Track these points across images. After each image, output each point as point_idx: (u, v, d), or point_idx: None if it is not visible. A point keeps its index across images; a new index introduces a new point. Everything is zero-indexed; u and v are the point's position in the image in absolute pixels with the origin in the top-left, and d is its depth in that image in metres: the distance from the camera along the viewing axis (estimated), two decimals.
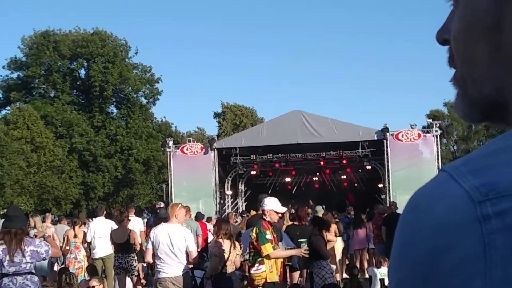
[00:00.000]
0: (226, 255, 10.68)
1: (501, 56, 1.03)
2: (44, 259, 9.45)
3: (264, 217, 10.25)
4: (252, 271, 10.27)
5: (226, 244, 10.80)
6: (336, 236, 17.45)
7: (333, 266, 12.89)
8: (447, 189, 0.93)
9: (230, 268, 10.85)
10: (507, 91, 1.05)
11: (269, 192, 38.07)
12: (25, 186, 53.14)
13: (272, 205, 10.30)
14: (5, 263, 8.64)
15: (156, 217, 15.51)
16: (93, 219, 19.91)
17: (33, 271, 8.86)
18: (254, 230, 10.33)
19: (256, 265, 10.18)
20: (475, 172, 0.92)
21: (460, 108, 1.14)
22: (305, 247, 11.34)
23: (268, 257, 9.99)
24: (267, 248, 9.95)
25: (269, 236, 10.08)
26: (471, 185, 0.90)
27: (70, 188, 58.06)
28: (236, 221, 21.41)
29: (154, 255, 10.29)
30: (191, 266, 10.95)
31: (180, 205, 10.98)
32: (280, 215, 10.98)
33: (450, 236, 0.90)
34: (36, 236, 12.10)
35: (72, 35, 66.10)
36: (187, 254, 10.09)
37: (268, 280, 10.11)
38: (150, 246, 10.22)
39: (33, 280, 8.77)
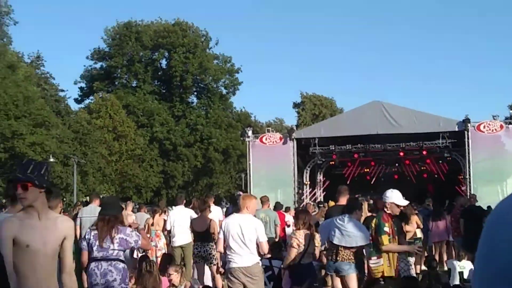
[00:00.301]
0: (304, 246, 10.70)
1: None
2: (132, 248, 9.75)
3: (385, 210, 10.31)
4: (370, 264, 10.34)
5: (304, 234, 10.81)
6: (418, 227, 17.32)
7: (412, 259, 12.77)
8: None
9: (307, 260, 10.86)
10: None
11: (348, 182, 38.02)
12: (107, 174, 54.18)
13: (394, 198, 10.34)
14: (94, 248, 8.93)
15: (235, 207, 15.61)
16: (173, 207, 20.17)
17: (121, 258, 9.07)
18: (374, 221, 10.53)
19: (374, 258, 10.26)
20: None
21: None
22: (419, 245, 11.28)
23: (381, 249, 10.08)
24: (383, 240, 10.05)
25: (387, 228, 10.15)
26: None
27: (150, 176, 58.93)
28: (314, 211, 21.34)
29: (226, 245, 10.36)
30: (268, 256, 11.02)
31: (252, 196, 11.01)
32: (401, 207, 10.95)
33: None
34: (130, 226, 12.32)
35: (154, 26, 66.94)
36: (257, 245, 10.11)
37: (386, 274, 10.20)
38: (221, 236, 10.26)
39: (117, 266, 8.95)
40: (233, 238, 9.95)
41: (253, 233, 9.96)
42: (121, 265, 9.06)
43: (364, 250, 11.17)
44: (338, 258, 10.87)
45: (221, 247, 10.42)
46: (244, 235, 9.91)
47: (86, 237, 9.12)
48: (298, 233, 10.74)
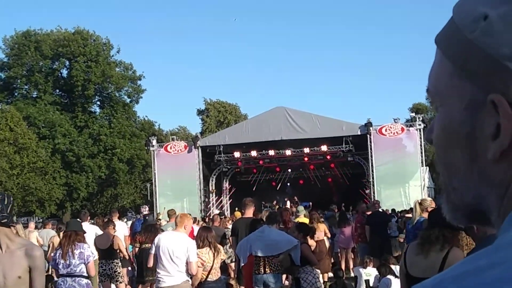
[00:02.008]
0: (209, 264, 10.62)
1: (476, 166, 1.03)
2: (88, 262, 10.28)
3: None
4: None
5: (207, 252, 10.73)
6: (326, 235, 17.45)
7: (317, 270, 12.81)
8: None
9: (214, 276, 10.78)
10: (484, 201, 1.04)
11: (254, 189, 38.23)
12: (8, 188, 52.82)
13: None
14: (60, 266, 10.01)
15: (144, 224, 15.39)
16: None
17: (85, 274, 9.99)
18: None
19: None
20: None
21: (446, 211, 1.14)
22: None
23: None
24: None
25: None
26: None
27: (53, 189, 57.75)
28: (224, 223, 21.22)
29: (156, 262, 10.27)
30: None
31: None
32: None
33: None
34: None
35: (54, 34, 65.71)
36: (187, 264, 10.02)
37: None
38: (153, 251, 10.20)
39: (80, 283, 9.78)
40: (164, 255, 9.89)
41: (183, 252, 9.88)
42: (84, 281, 9.90)
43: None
44: (266, 270, 10.79)
45: (151, 263, 10.31)
46: (175, 253, 9.85)
47: (53, 257, 10.23)
48: (201, 252, 10.62)
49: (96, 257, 13.60)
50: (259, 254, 10.84)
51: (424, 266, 5.90)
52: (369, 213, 18.38)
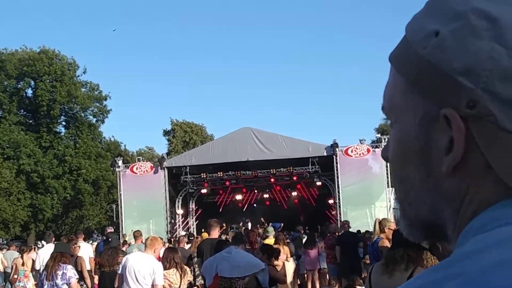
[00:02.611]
0: (176, 286, 10.59)
1: (431, 180, 1.05)
2: (70, 282, 10.68)
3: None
4: None
5: (174, 273, 10.70)
6: (287, 258, 17.43)
7: None
8: None
9: None
10: (440, 215, 1.06)
11: (220, 210, 38.16)
12: None
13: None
14: (45, 286, 10.53)
15: (106, 244, 15.29)
16: (42, 243, 19.64)
17: None
18: None
19: None
20: None
21: (402, 227, 1.15)
22: None
23: None
24: None
25: None
26: None
27: (18, 210, 57.18)
28: (190, 244, 21.12)
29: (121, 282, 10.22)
30: None
31: (160, 239, 11.03)
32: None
33: None
34: None
35: (19, 54, 65.30)
36: (152, 286, 9.99)
37: None
38: (119, 271, 10.18)
39: None
40: (130, 275, 9.86)
41: (150, 274, 9.85)
42: None
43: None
44: None
45: (117, 283, 10.26)
46: (140, 274, 9.81)
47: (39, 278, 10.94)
48: (168, 273, 10.58)
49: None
50: (225, 275, 10.80)
51: (389, 286, 5.91)
52: (338, 234, 18.46)
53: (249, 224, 34.84)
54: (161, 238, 23.88)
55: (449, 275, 0.90)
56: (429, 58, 1.02)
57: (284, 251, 16.88)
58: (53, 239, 17.33)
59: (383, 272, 6.08)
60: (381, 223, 11.28)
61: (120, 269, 10.17)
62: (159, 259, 11.28)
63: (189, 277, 11.46)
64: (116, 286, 10.48)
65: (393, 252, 6.23)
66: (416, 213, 1.09)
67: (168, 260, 10.86)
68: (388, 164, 1.18)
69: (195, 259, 14.50)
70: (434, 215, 1.07)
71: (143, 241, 19.13)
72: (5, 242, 27.91)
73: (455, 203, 1.03)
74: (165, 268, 10.63)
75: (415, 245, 6.24)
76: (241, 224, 36.71)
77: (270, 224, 29.95)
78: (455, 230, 1.04)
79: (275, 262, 13.12)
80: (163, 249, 17.13)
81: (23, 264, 18.23)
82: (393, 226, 11.15)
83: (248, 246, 13.55)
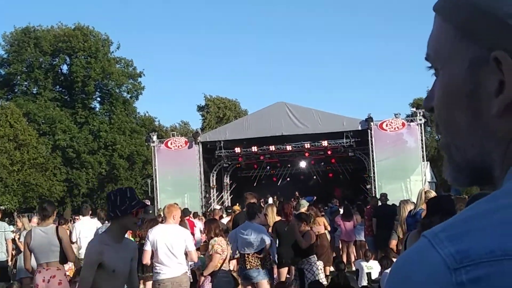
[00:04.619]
0: (225, 253, 10.65)
1: (480, 123, 1.07)
2: None
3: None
4: None
5: (223, 241, 10.76)
6: (326, 229, 17.45)
7: (320, 262, 12.84)
8: (426, 256, 0.96)
9: (227, 266, 10.83)
10: (488, 157, 1.09)
11: (254, 184, 38.19)
12: (9, 184, 52.85)
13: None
14: None
15: (144, 218, 15.31)
16: (79, 217, 19.75)
17: None
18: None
19: None
20: (452, 238, 0.95)
21: (448, 173, 1.17)
22: None
23: None
24: None
25: None
26: (447, 252, 0.94)
27: (54, 185, 57.74)
28: (222, 216, 21.17)
29: (152, 257, 10.18)
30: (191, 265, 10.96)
31: (176, 205, 10.90)
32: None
33: None
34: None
35: (54, 31, 65.75)
36: (186, 254, 9.99)
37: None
38: (148, 248, 10.05)
39: None
40: (161, 249, 9.82)
41: (181, 243, 9.89)
42: None
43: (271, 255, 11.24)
44: (247, 266, 10.88)
45: (148, 259, 10.23)
46: (173, 245, 9.81)
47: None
48: (219, 240, 10.66)
49: None
50: (241, 251, 11.05)
51: None
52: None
53: (270, 199, 34.62)
54: (193, 211, 24.08)
55: (501, 205, 0.95)
56: (479, 4, 1.04)
57: (320, 222, 16.92)
58: (90, 212, 17.40)
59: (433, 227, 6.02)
60: (426, 194, 11.10)
61: (148, 245, 10.09)
62: (191, 230, 11.33)
63: (229, 249, 11.53)
64: (145, 262, 10.43)
65: (429, 220, 6.16)
66: (463, 157, 1.12)
67: (214, 230, 10.89)
68: (435, 111, 1.16)
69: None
70: (482, 157, 1.09)
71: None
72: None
73: (503, 144, 1.06)
74: (214, 236, 10.70)
75: (452, 212, 6.17)
76: (275, 198, 36.67)
77: (303, 198, 29.93)
78: (502, 170, 1.06)
79: (315, 228, 13.22)
80: (198, 222, 17.25)
81: None
82: None
83: (283, 217, 13.51)
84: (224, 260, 10.64)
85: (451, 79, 1.09)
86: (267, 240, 11.34)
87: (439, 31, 1.13)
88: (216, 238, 10.71)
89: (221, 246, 10.59)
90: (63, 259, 9.62)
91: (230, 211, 22.03)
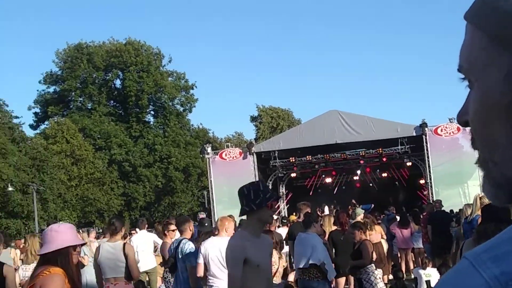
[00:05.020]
0: (276, 266, 10.61)
1: None
2: None
3: None
4: None
5: (275, 254, 10.73)
6: (382, 237, 17.33)
7: (379, 271, 12.75)
8: (467, 279, 0.92)
9: (278, 279, 10.79)
10: None
11: (310, 193, 38.09)
12: (67, 199, 53.61)
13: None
14: None
15: (199, 228, 15.38)
16: (136, 230, 19.93)
17: None
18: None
19: None
20: (496, 259, 0.91)
21: (487, 189, 1.11)
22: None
23: None
24: None
25: None
26: (491, 274, 0.89)
27: (112, 199, 58.44)
28: (279, 226, 21.13)
29: (206, 270, 10.20)
30: None
31: (229, 218, 10.90)
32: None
33: None
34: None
35: (106, 46, 66.63)
36: None
37: None
38: (200, 261, 10.07)
39: None
40: (213, 262, 9.82)
41: None
42: None
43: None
44: (305, 277, 10.85)
45: (201, 272, 10.22)
46: (224, 258, 9.81)
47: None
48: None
49: None
50: (298, 265, 11.01)
51: None
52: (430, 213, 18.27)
53: (326, 208, 34.42)
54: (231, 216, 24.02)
55: None
56: None
57: (377, 230, 16.81)
58: (146, 225, 17.56)
59: (475, 246, 5.94)
60: (482, 199, 10.87)
61: (201, 258, 10.11)
62: None
63: (284, 262, 11.49)
64: (198, 275, 10.43)
65: (484, 227, 6.09)
66: (501, 173, 1.05)
67: None
68: (470, 125, 1.11)
69: (286, 242, 14.58)
70: None
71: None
72: (101, 230, 28.46)
73: None
74: None
75: (507, 220, 6.10)
76: (332, 207, 36.54)
77: (360, 206, 29.78)
78: None
79: (370, 236, 13.16)
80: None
81: None
82: None
83: (339, 227, 13.47)
84: (275, 273, 10.60)
85: (487, 92, 1.04)
86: (319, 258, 11.23)
87: (472, 41, 1.09)
88: None
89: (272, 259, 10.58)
90: (128, 276, 9.75)
91: (286, 221, 22.01)
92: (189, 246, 10.36)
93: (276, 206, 38.27)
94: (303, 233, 11.33)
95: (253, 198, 5.81)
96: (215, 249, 9.88)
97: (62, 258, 5.50)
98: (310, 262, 10.92)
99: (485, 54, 1.04)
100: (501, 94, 1.01)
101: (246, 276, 5.65)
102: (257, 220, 5.93)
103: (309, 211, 13.57)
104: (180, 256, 10.60)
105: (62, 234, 5.65)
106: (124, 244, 10.03)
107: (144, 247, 15.79)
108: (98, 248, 10.29)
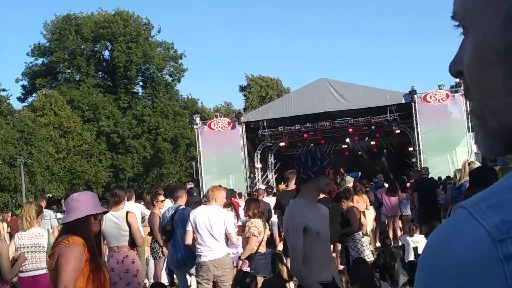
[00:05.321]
0: (262, 235, 10.57)
1: None
2: None
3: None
4: None
5: (261, 223, 10.69)
6: (367, 207, 17.26)
7: (366, 238, 12.70)
8: (466, 228, 0.90)
9: (263, 248, 10.75)
10: None
11: None
12: (55, 172, 53.51)
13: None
14: None
15: (188, 198, 15.28)
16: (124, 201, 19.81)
17: None
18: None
19: None
20: (495, 207, 0.89)
21: (480, 141, 1.07)
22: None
23: None
24: None
25: None
26: (491, 223, 0.87)
27: (100, 171, 58.43)
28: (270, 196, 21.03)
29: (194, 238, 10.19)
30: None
31: (220, 187, 10.85)
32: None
33: (471, 280, 0.87)
34: None
35: (94, 17, 66.22)
36: (226, 236, 9.98)
37: None
38: (190, 229, 10.08)
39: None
40: (202, 230, 9.82)
41: (221, 225, 9.90)
42: None
43: None
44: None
45: (189, 240, 10.20)
46: (213, 227, 9.84)
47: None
48: (256, 222, 10.59)
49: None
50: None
51: None
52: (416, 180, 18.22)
53: None
54: (238, 191, 23.96)
55: None
56: None
57: (364, 200, 16.75)
58: (134, 197, 17.42)
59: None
60: (470, 165, 10.77)
61: (189, 225, 10.10)
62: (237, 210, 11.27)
63: (268, 230, 11.41)
64: (186, 243, 10.38)
65: (472, 191, 5.99)
66: (499, 121, 1.01)
67: (252, 210, 10.84)
68: (465, 73, 1.05)
69: (274, 211, 14.49)
70: None
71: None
72: None
73: None
74: (251, 217, 10.66)
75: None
76: None
77: (347, 174, 29.77)
78: None
79: (357, 204, 13.13)
80: (242, 202, 17.18)
81: None
82: None
83: (327, 195, 13.38)
84: (261, 242, 10.55)
85: (484, 37, 0.98)
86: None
87: None
88: (253, 220, 10.63)
89: (257, 228, 10.50)
90: (132, 244, 9.80)
91: (271, 190, 21.92)
92: (188, 212, 10.42)
93: (264, 176, 38.32)
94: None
95: (311, 166, 5.67)
96: (203, 218, 9.88)
97: (82, 227, 5.55)
98: None
99: None
100: (498, 38, 0.97)
101: (306, 244, 5.56)
102: (314, 188, 5.81)
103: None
104: (179, 223, 10.59)
105: (83, 203, 5.69)
106: (127, 212, 10.04)
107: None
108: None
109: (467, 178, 10.20)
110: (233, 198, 18.87)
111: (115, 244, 9.86)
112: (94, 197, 5.93)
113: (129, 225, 9.83)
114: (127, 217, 9.91)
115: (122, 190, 10.58)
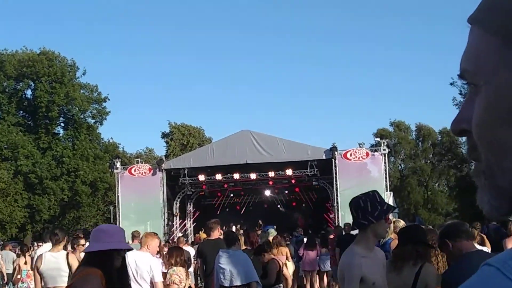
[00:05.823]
0: (183, 284, 10.50)
1: None
2: None
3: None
4: None
5: (183, 272, 10.63)
6: (288, 259, 17.36)
7: None
8: (498, 285, 0.88)
9: None
10: None
11: (218, 213, 38.09)
12: None
13: None
14: None
15: None
16: (41, 243, 19.53)
17: None
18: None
19: None
20: None
21: (485, 201, 1.05)
22: None
23: None
24: None
25: None
26: None
27: (15, 211, 57.13)
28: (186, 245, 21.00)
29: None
30: None
31: (154, 234, 10.80)
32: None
33: None
34: None
35: (19, 55, 65.28)
36: (151, 284, 9.89)
37: None
38: None
39: None
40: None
41: (147, 272, 9.78)
42: None
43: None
44: None
45: None
46: (138, 273, 9.71)
47: None
48: (178, 270, 10.49)
49: None
50: (224, 284, 10.78)
51: (397, 283, 5.83)
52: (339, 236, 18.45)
53: (234, 228, 34.43)
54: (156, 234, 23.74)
55: None
56: None
57: (283, 252, 16.85)
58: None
59: (391, 269, 5.96)
60: (394, 224, 10.97)
61: None
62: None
63: (190, 280, 11.37)
64: None
65: (402, 250, 6.16)
66: (510, 180, 1.00)
67: (175, 258, 10.79)
68: (474, 131, 1.06)
69: (195, 260, 14.47)
70: None
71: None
72: (1, 242, 27.85)
73: None
74: (173, 265, 10.59)
75: (423, 242, 6.20)
76: (238, 226, 36.58)
77: (263, 227, 29.89)
78: None
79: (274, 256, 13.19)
80: (164, 247, 17.12)
81: (25, 263, 18.09)
82: None
83: (249, 246, 13.46)
84: None
85: (498, 94, 1.00)
86: (254, 275, 11.03)
87: (479, 44, 1.04)
88: (175, 268, 10.56)
89: (179, 276, 10.44)
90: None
91: (193, 240, 21.90)
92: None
93: (182, 224, 38.14)
94: (229, 250, 11.11)
95: (371, 210, 5.55)
96: (130, 262, 9.77)
97: (104, 260, 5.32)
98: (249, 280, 10.69)
99: (495, 56, 1.01)
100: None
101: None
102: (373, 233, 5.63)
103: (219, 230, 13.48)
104: None
105: (108, 236, 5.47)
106: (67, 253, 9.90)
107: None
108: (40, 257, 10.23)
109: (392, 236, 10.45)
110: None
111: (52, 284, 9.71)
112: (120, 232, 5.75)
113: (70, 267, 9.70)
114: (67, 258, 9.78)
115: (62, 231, 10.48)
